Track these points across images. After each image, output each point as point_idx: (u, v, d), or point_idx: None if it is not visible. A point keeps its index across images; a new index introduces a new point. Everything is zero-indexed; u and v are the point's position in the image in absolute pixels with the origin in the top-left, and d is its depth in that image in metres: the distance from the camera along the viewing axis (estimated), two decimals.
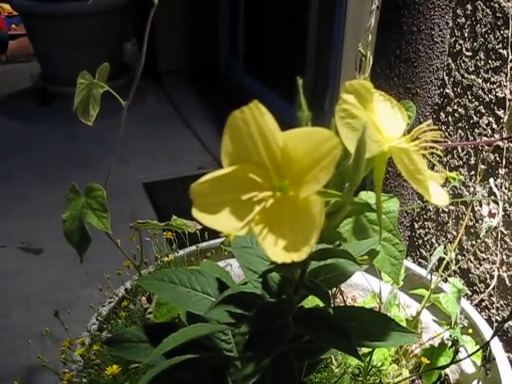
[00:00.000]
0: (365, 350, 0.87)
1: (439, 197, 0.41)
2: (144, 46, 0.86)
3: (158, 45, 3.87)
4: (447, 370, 1.07)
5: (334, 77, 2.34)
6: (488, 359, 0.76)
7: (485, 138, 1.10)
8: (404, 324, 0.96)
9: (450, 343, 0.97)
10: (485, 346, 0.75)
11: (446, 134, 1.25)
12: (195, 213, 0.37)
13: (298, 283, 0.49)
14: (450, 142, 1.25)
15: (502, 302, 1.17)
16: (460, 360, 0.84)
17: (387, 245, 0.65)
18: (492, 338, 0.71)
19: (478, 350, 0.79)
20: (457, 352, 0.83)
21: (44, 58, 3.90)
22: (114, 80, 3.34)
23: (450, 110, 1.23)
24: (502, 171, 1.05)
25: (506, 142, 1.05)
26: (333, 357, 0.86)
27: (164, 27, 3.77)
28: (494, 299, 1.19)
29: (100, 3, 3.49)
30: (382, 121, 0.44)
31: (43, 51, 3.85)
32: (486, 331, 1.01)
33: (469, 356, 0.83)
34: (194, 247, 1.12)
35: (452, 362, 0.84)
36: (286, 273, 0.50)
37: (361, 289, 1.20)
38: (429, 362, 0.88)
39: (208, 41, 3.87)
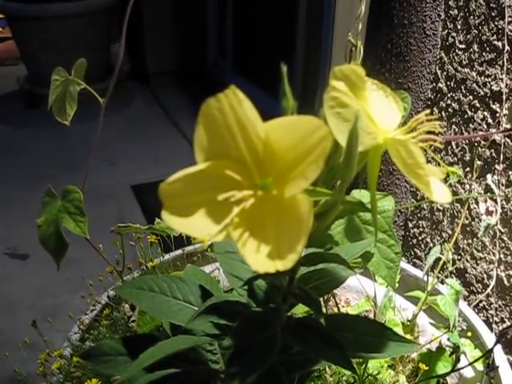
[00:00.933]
0: None
1: (441, 193, 0.37)
2: (121, 47, 0.81)
3: (145, 46, 3.83)
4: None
5: (324, 76, 2.31)
6: (491, 367, 0.72)
7: (481, 133, 1.06)
8: (400, 328, 0.92)
9: (447, 347, 0.93)
10: (487, 354, 0.70)
11: (440, 129, 1.21)
12: (165, 216, 0.32)
13: (286, 291, 0.45)
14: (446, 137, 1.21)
15: (500, 302, 1.14)
16: (461, 368, 0.80)
17: (382, 246, 0.61)
18: (494, 345, 0.67)
19: (480, 358, 0.75)
20: (458, 360, 0.79)
21: (30, 61, 3.85)
22: (102, 82, 3.28)
23: (444, 104, 1.19)
24: (499, 167, 1.02)
25: (503, 136, 1.01)
26: (327, 367, 0.82)
27: (152, 28, 3.74)
28: (492, 300, 1.15)
29: (86, 4, 3.45)
30: (375, 111, 0.40)
31: (29, 53, 3.81)
32: (486, 334, 0.97)
33: (470, 364, 0.79)
34: (179, 251, 1.08)
35: (453, 370, 0.80)
36: (274, 280, 0.46)
37: (354, 291, 1.16)
38: (427, 368, 0.84)
39: (196, 41, 3.84)
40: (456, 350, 0.79)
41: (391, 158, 0.37)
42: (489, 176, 0.97)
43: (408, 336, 0.89)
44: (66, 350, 0.87)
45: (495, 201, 0.94)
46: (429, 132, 0.40)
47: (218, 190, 0.32)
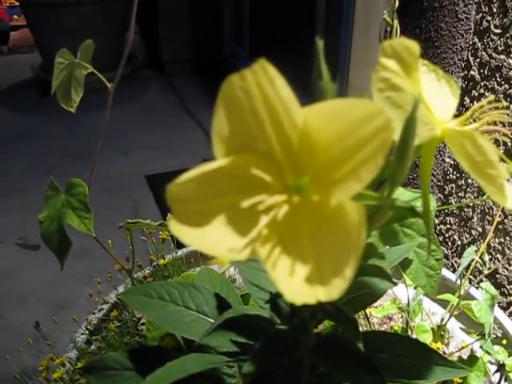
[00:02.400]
0: None
1: None
2: (130, 35, 0.75)
3: (161, 33, 3.79)
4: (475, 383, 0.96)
5: (343, 63, 2.25)
6: None
7: None
8: (430, 334, 0.85)
9: (480, 355, 0.87)
10: None
11: (472, 119, 1.13)
12: (174, 226, 0.25)
13: (316, 306, 0.38)
14: None
15: None
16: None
17: (422, 252, 0.54)
18: None
19: None
20: (501, 378, 0.72)
21: (44, 48, 3.83)
22: (117, 69, 3.24)
23: (476, 94, 1.11)
24: None
25: None
26: None
27: (167, 15, 3.70)
28: None
29: None
30: (429, 96, 0.33)
31: (43, 41, 3.78)
32: None
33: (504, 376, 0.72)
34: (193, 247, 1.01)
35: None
36: None
37: None
38: (461, 380, 0.77)
39: (212, 28, 3.79)
40: (501, 367, 0.72)
41: (453, 153, 0.30)
42: None
43: (438, 344, 0.82)
44: (71, 353, 0.81)
45: None
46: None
47: (242, 194, 0.25)
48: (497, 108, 0.33)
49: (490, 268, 0.86)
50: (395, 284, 0.36)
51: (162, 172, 2.57)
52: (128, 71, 3.47)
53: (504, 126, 0.68)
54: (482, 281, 0.89)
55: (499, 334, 0.90)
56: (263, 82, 0.25)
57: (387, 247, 0.50)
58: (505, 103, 1.04)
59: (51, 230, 0.67)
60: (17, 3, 4.63)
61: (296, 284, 0.24)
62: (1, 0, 5.38)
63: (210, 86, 3.65)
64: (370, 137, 0.24)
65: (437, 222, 1.30)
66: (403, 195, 0.53)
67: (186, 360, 0.42)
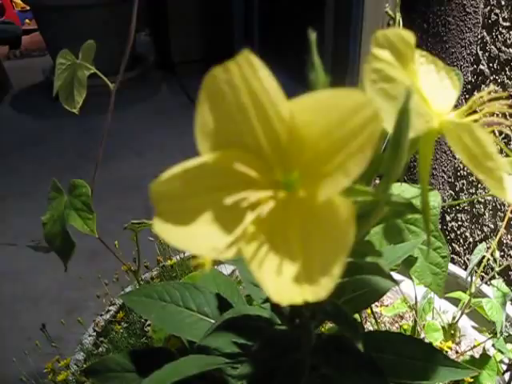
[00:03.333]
0: None
1: None
2: (130, 37, 0.74)
3: (171, 35, 3.80)
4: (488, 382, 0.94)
5: (353, 64, 2.24)
6: None
7: None
8: (441, 333, 0.84)
9: (493, 353, 0.85)
10: None
11: (481, 114, 1.12)
12: (157, 225, 0.25)
13: (315, 307, 0.37)
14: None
15: None
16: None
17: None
18: None
19: None
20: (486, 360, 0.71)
21: (55, 52, 3.82)
22: (127, 71, 3.26)
23: (486, 88, 1.09)
24: None
25: None
26: None
27: (177, 16, 3.71)
28: None
29: None
30: (426, 88, 0.32)
31: (54, 45, 3.80)
32: None
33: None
34: None
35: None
36: None
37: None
38: (472, 380, 0.76)
39: (222, 29, 3.79)
40: (511, 366, 0.70)
41: (451, 146, 0.29)
42: None
43: (449, 343, 0.81)
44: (78, 355, 0.81)
45: None
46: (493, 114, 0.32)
47: (227, 191, 0.24)
48: (498, 99, 0.32)
49: (501, 265, 0.84)
50: (396, 282, 0.35)
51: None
52: (139, 73, 3.49)
53: (506, 117, 0.67)
54: (493, 278, 0.87)
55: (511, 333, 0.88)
56: (248, 74, 0.24)
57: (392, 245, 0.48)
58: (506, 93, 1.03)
59: (54, 232, 0.67)
60: (28, 8, 4.67)
61: (282, 284, 0.23)
62: (12, 5, 5.42)
63: None
64: (359, 128, 0.22)
65: (448, 219, 1.29)
66: (408, 191, 0.52)
67: (185, 362, 0.41)
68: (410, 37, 0.31)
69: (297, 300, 0.22)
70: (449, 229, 1.29)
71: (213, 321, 0.47)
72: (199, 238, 0.24)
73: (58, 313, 1.85)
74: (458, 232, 1.26)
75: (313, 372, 0.43)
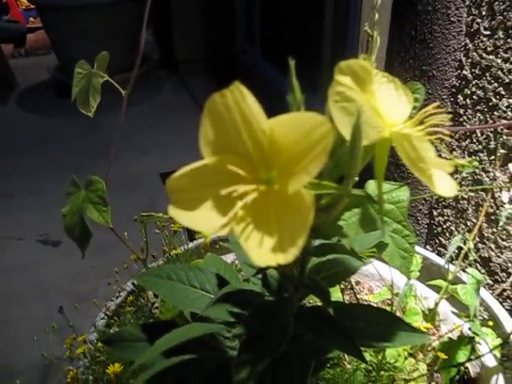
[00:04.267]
0: None
1: (445, 187, 0.37)
2: (142, 39, 0.82)
3: (174, 34, 3.86)
4: (467, 363, 1.03)
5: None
6: (508, 357, 0.72)
7: (504, 121, 1.05)
8: (420, 316, 0.92)
9: (469, 336, 0.93)
10: (505, 342, 0.70)
11: (465, 117, 1.20)
12: (172, 210, 0.33)
13: (297, 281, 0.46)
14: (468, 126, 1.20)
15: None
16: (478, 357, 0.80)
17: (397, 236, 0.61)
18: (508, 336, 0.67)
19: (498, 346, 0.75)
20: (473, 348, 0.79)
21: (61, 50, 3.91)
22: (131, 70, 3.32)
23: (469, 92, 1.18)
24: None
25: None
26: (346, 355, 0.83)
27: (180, 16, 3.77)
28: None
29: None
30: (384, 104, 0.40)
31: (60, 43, 3.86)
32: (508, 323, 0.96)
33: (491, 351, 0.79)
34: (203, 239, 1.09)
35: (469, 360, 0.80)
36: (286, 270, 0.47)
37: (377, 279, 1.16)
38: (446, 357, 0.84)
39: (224, 28, 3.85)
40: (472, 339, 0.79)
41: (397, 151, 0.37)
42: (510, 165, 0.96)
43: (428, 324, 0.89)
44: (92, 335, 0.89)
45: None
46: (438, 125, 0.40)
47: (223, 185, 0.33)
48: (440, 113, 0.40)
49: (481, 255, 0.92)
50: (363, 261, 0.43)
51: (176, 170, 2.65)
52: (142, 71, 3.56)
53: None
54: (470, 265, 0.95)
55: (486, 317, 0.97)
56: (239, 99, 0.33)
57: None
58: (494, 101, 1.10)
59: (73, 223, 0.75)
60: (32, 6, 4.73)
61: (262, 252, 0.31)
62: (17, 3, 5.48)
63: (223, 85, 3.72)
64: (317, 141, 0.31)
65: (435, 214, 1.37)
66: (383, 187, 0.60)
67: (190, 327, 0.50)
68: (368, 65, 0.39)
69: (272, 263, 0.31)
70: (436, 223, 1.38)
71: (213, 296, 0.56)
72: (203, 220, 0.33)
73: (66, 303, 1.93)
74: (444, 226, 1.35)
75: (297, 339, 0.52)
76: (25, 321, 1.88)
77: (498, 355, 0.96)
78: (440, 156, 0.43)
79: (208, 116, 0.34)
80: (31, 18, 5.42)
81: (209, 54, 3.96)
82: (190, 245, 1.09)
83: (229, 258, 1.04)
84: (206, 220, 0.33)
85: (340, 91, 0.36)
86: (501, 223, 0.88)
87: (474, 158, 1.20)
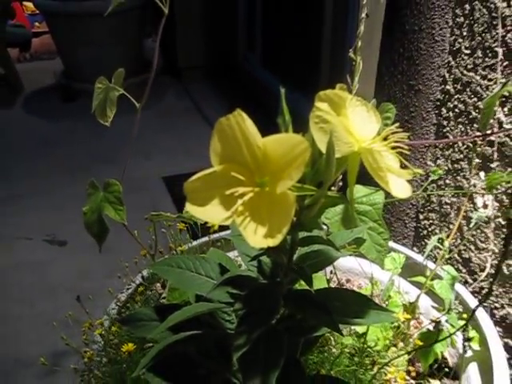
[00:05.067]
0: (359, 330, 0.94)
1: (400, 190, 0.47)
2: (156, 49, 0.92)
3: (177, 41, 3.95)
4: (446, 354, 1.13)
5: (348, 69, 2.40)
6: (466, 338, 0.82)
7: (478, 133, 1.15)
8: (401, 309, 1.03)
9: (445, 328, 1.03)
10: (468, 319, 0.81)
11: (448, 128, 1.30)
12: (188, 206, 0.44)
13: (286, 267, 0.56)
14: (451, 137, 1.30)
15: (500, 289, 1.23)
16: (448, 336, 0.91)
17: (373, 233, 0.72)
18: (475, 310, 0.76)
19: (459, 329, 0.85)
20: (439, 332, 0.90)
21: (67, 56, 4.00)
22: (136, 76, 3.43)
23: (451, 105, 1.28)
24: (493, 165, 1.11)
25: (504, 135, 1.10)
26: (332, 338, 0.93)
27: (183, 23, 3.85)
28: (493, 287, 1.24)
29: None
30: (356, 124, 0.50)
31: (66, 49, 3.95)
32: (481, 316, 1.06)
33: (450, 336, 0.90)
34: (206, 238, 1.19)
35: (436, 341, 0.91)
36: (277, 258, 0.57)
37: (365, 277, 1.27)
38: (422, 343, 0.95)
39: (226, 36, 3.94)
40: (437, 324, 0.89)
41: (363, 162, 0.47)
42: (482, 173, 1.06)
43: (406, 315, 1.00)
44: (105, 322, 0.99)
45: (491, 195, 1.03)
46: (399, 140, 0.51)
47: (227, 187, 0.43)
48: (398, 132, 0.50)
49: (459, 255, 1.02)
50: (338, 249, 0.53)
51: (179, 174, 2.75)
52: (146, 77, 3.65)
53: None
54: (451, 264, 1.05)
55: (461, 310, 1.07)
56: (240, 122, 0.43)
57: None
58: (474, 114, 1.21)
59: (92, 220, 0.86)
60: (37, 11, 4.83)
61: (256, 237, 0.42)
62: (22, 8, 5.57)
63: (224, 92, 3.85)
64: (297, 155, 0.41)
65: (421, 217, 1.47)
66: (360, 191, 0.71)
67: (196, 306, 0.60)
68: (343, 93, 0.49)
69: (263, 245, 0.41)
70: (422, 226, 1.48)
71: (216, 282, 0.66)
72: (212, 213, 0.43)
73: (74, 300, 2.02)
74: (430, 229, 1.45)
75: (290, 318, 0.62)
76: (33, 316, 1.98)
77: (474, 347, 1.07)
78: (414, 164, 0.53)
79: (216, 134, 0.44)
80: (36, 23, 5.51)
81: (211, 61, 4.06)
82: (194, 243, 1.19)
83: (230, 255, 1.14)
84: (214, 213, 0.44)
85: (319, 115, 0.46)
86: (471, 225, 0.98)
87: (456, 166, 1.30)
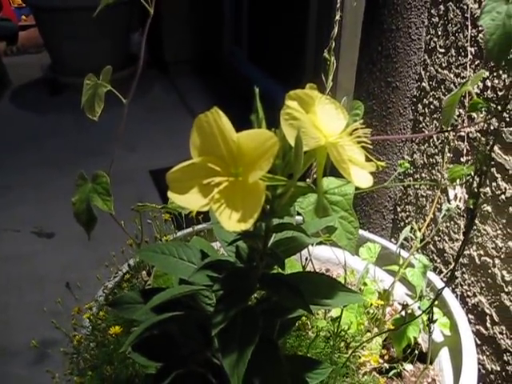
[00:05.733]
0: (333, 314, 1.00)
1: (362, 180, 0.52)
2: (143, 43, 0.96)
3: (164, 35, 3.97)
4: (419, 339, 1.18)
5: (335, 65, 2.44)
6: (431, 320, 0.88)
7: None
8: (375, 295, 1.08)
9: (417, 313, 1.09)
10: (435, 299, 0.86)
11: (423, 124, 1.36)
12: (170, 194, 0.49)
13: (261, 252, 0.61)
14: (427, 132, 1.36)
15: (472, 278, 1.28)
16: (415, 318, 0.96)
17: (344, 222, 0.77)
18: (442, 289, 0.82)
19: (424, 311, 0.90)
20: (406, 314, 0.95)
21: (54, 50, 4.02)
22: (122, 70, 3.46)
23: (427, 102, 1.33)
24: (463, 159, 1.17)
25: (475, 131, 1.16)
26: (308, 323, 0.98)
27: (170, 18, 3.88)
28: (466, 276, 1.30)
29: None
30: (324, 120, 0.55)
31: (53, 43, 3.97)
32: (452, 301, 1.12)
33: (417, 318, 0.95)
34: (190, 229, 1.24)
35: (404, 323, 0.96)
36: (253, 244, 0.62)
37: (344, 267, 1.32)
38: (393, 327, 1.00)
39: (213, 31, 3.97)
40: (404, 307, 0.95)
41: (329, 155, 0.52)
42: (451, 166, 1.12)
43: (379, 301, 1.05)
44: (93, 308, 1.04)
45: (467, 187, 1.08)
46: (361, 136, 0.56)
47: (205, 177, 0.48)
48: (362, 128, 0.55)
49: (434, 246, 1.07)
50: (308, 235, 0.58)
51: (165, 167, 2.78)
52: (132, 71, 3.68)
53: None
54: (427, 255, 1.11)
55: (432, 296, 1.12)
56: (217, 118, 0.48)
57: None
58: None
59: (81, 210, 0.90)
60: (24, 4, 4.83)
61: (231, 222, 0.47)
62: (9, 1, 5.56)
63: (211, 86, 3.89)
64: (267, 149, 0.46)
65: (399, 210, 1.53)
66: (333, 183, 0.76)
67: (178, 288, 0.64)
68: (312, 93, 0.54)
69: (237, 229, 0.46)
70: (399, 218, 1.54)
71: (197, 266, 0.71)
72: (191, 201, 0.48)
73: (62, 290, 2.06)
74: (407, 221, 1.51)
75: (267, 301, 0.67)
76: (21, 306, 2.01)
77: (445, 332, 1.12)
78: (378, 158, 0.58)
79: (195, 129, 0.49)
80: (23, 16, 5.50)
81: (197, 55, 4.09)
82: (179, 233, 1.24)
83: (213, 245, 1.19)
84: (193, 201, 0.48)
85: (289, 112, 0.51)
86: (441, 216, 1.03)
87: (431, 160, 1.36)
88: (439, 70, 1.28)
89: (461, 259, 1.31)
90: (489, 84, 1.10)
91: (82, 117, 1.01)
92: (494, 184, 1.11)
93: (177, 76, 4.03)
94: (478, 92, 1.17)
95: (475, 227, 1.24)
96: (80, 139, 3.21)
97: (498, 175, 1.10)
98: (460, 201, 1.10)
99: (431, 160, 1.35)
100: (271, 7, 3.39)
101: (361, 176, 0.52)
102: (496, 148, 1.08)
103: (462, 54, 1.20)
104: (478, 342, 1.26)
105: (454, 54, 1.23)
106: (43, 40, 4.13)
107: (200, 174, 0.49)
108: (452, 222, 1.31)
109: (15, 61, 4.62)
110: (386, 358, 1.08)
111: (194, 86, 3.93)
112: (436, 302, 1.13)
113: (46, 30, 3.97)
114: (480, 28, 1.14)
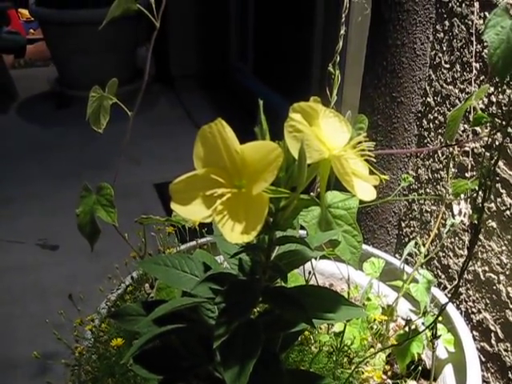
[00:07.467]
0: (336, 329, 0.99)
1: (365, 193, 0.52)
2: (148, 57, 0.97)
3: (170, 50, 4.00)
4: (423, 356, 1.17)
5: (340, 79, 2.45)
6: (434, 335, 0.87)
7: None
8: (379, 311, 1.07)
9: (421, 329, 1.08)
10: (434, 322, 0.85)
11: (428, 139, 1.36)
12: (173, 206, 0.49)
13: (264, 265, 0.61)
14: (431, 147, 1.36)
15: (477, 295, 1.28)
16: (419, 333, 0.95)
17: (347, 236, 0.76)
18: (444, 306, 0.81)
19: (428, 327, 0.90)
20: (410, 330, 0.95)
21: (61, 63, 4.05)
22: (128, 84, 3.48)
23: (432, 117, 1.34)
24: (468, 174, 1.16)
25: (480, 147, 1.16)
26: (311, 337, 0.98)
27: (176, 33, 3.91)
28: (470, 292, 1.29)
29: None
30: (328, 133, 0.55)
31: (60, 56, 4.00)
32: (456, 318, 1.11)
33: (420, 333, 0.94)
34: (193, 242, 1.24)
35: (408, 339, 0.95)
36: (255, 256, 0.62)
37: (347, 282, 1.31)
38: (397, 342, 0.99)
39: (219, 46, 4.00)
40: (408, 322, 0.94)
41: (333, 168, 0.52)
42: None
43: (383, 316, 1.04)
44: (95, 320, 1.04)
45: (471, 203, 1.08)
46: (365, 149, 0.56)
47: (208, 188, 0.48)
48: (366, 141, 0.55)
49: (439, 262, 1.07)
50: (311, 248, 0.58)
51: (170, 181, 2.79)
52: (138, 85, 3.70)
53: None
54: (429, 269, 1.10)
55: (436, 312, 1.12)
56: (221, 130, 0.48)
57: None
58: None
59: (85, 221, 0.90)
60: (32, 18, 4.87)
61: (234, 234, 0.47)
62: (18, 15, 5.61)
63: (216, 101, 3.90)
64: (272, 160, 0.46)
65: (403, 225, 1.52)
66: (337, 197, 0.76)
67: (181, 300, 0.64)
68: (316, 105, 0.54)
69: (239, 241, 0.46)
70: (404, 234, 1.53)
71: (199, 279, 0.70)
72: (194, 212, 0.48)
73: (65, 303, 2.06)
74: (411, 236, 1.50)
75: (269, 314, 0.67)
76: (24, 317, 2.01)
77: (449, 348, 1.11)
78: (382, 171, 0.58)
79: (199, 140, 0.49)
80: (31, 30, 5.55)
81: (203, 70, 4.11)
82: (182, 247, 1.24)
83: (218, 259, 1.19)
84: (196, 212, 0.48)
85: (293, 125, 0.51)
86: (445, 231, 1.03)
87: (436, 175, 1.36)
88: (444, 85, 1.28)
89: (466, 275, 1.30)
90: (494, 99, 1.10)
91: (87, 130, 1.01)
92: (498, 200, 1.11)
93: (182, 90, 4.05)
94: (483, 107, 1.17)
95: (480, 243, 1.23)
96: (85, 152, 3.22)
97: (503, 191, 1.10)
98: (465, 216, 1.10)
99: (436, 175, 1.35)
100: (276, 23, 3.41)
101: (364, 189, 0.52)
102: (501, 163, 1.08)
103: (467, 69, 1.20)
104: (483, 359, 1.25)
105: (459, 70, 1.23)
106: (51, 54, 4.17)
107: (203, 185, 0.49)
108: (457, 238, 1.31)
109: (23, 74, 4.65)
110: (390, 374, 1.07)
111: (199, 101, 3.94)
112: (440, 318, 1.13)
113: (53, 44, 4.00)
114: (485, 43, 1.14)
